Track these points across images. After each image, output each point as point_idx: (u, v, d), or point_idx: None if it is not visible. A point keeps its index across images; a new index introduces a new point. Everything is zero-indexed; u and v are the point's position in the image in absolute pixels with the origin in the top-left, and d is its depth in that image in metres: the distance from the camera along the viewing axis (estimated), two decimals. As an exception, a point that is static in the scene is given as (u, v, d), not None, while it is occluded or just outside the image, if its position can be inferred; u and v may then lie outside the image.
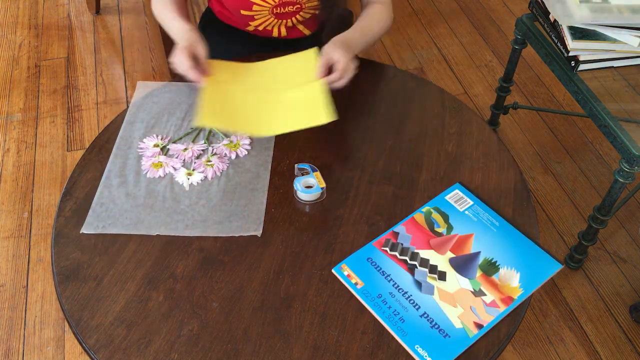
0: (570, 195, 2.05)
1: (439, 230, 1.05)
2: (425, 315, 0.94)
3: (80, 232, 1.05)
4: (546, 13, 1.70)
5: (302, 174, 1.11)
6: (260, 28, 1.42)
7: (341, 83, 1.18)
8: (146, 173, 1.14)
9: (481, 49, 2.60)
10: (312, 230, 1.05)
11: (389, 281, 0.98)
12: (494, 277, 0.99)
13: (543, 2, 1.68)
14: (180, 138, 1.20)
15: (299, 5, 1.34)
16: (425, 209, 1.08)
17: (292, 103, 1.16)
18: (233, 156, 1.17)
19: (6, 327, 1.73)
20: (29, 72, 2.49)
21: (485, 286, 0.98)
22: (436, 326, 0.93)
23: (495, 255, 1.01)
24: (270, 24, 1.40)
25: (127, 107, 1.27)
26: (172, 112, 1.26)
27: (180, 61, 1.17)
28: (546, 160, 2.15)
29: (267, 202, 1.09)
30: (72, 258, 1.01)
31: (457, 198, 1.10)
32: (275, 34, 1.43)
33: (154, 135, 1.21)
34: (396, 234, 1.04)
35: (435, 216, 1.07)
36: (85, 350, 0.92)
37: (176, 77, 1.29)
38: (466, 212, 1.08)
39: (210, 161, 1.15)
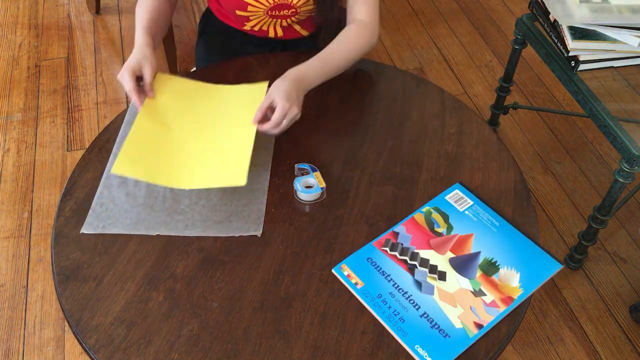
0: (570, 195, 2.05)
1: (439, 230, 1.05)
2: (425, 315, 0.94)
3: (80, 232, 1.05)
4: (546, 13, 1.70)
5: (302, 174, 1.11)
6: (256, 28, 1.42)
7: (276, 131, 1.12)
8: (146, 173, 1.14)
9: (481, 49, 2.60)
10: (312, 230, 1.05)
11: (389, 281, 0.98)
12: (494, 277, 0.99)
13: (543, 2, 1.68)
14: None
15: (294, 10, 1.34)
16: (425, 209, 1.08)
17: (214, 158, 1.09)
18: (233, 156, 1.16)
19: (6, 327, 1.73)
20: (29, 72, 2.49)
21: (485, 286, 0.98)
22: (436, 326, 0.93)
23: (495, 255, 1.01)
24: (265, 23, 1.40)
25: (127, 107, 1.27)
26: (172, 112, 1.25)
27: (123, 80, 1.15)
28: (546, 160, 2.15)
29: (267, 202, 1.09)
30: (72, 258, 1.01)
31: (457, 198, 1.10)
32: (271, 34, 1.43)
33: (154, 136, 1.20)
34: (396, 234, 1.04)
35: (435, 216, 1.07)
36: (85, 350, 0.92)
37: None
38: (466, 212, 1.08)
39: (210, 161, 1.15)
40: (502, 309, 0.95)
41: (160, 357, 0.90)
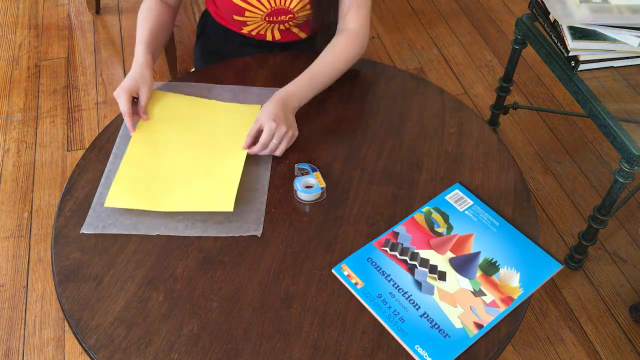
0: (570, 195, 2.05)
1: (439, 230, 1.05)
2: (425, 315, 0.94)
3: (80, 232, 1.05)
4: (546, 13, 1.70)
5: (302, 174, 1.11)
6: (254, 33, 1.42)
7: (265, 153, 1.14)
8: (146, 173, 1.14)
9: (481, 49, 2.60)
10: (312, 230, 1.05)
11: (389, 281, 0.98)
12: (494, 277, 0.99)
13: (543, 2, 1.68)
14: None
15: (291, 15, 1.34)
16: (425, 209, 1.08)
17: (203, 184, 1.11)
18: (233, 156, 1.17)
19: (6, 327, 1.73)
20: (29, 72, 2.49)
21: (485, 286, 0.98)
22: (436, 326, 0.93)
23: (495, 255, 1.01)
24: (263, 27, 1.40)
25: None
26: (171, 112, 1.26)
27: (119, 100, 1.17)
28: (546, 160, 2.15)
29: (267, 202, 1.09)
30: (72, 258, 1.01)
31: (457, 198, 1.10)
32: (269, 37, 1.43)
33: (154, 136, 1.20)
34: (396, 234, 1.04)
35: (435, 216, 1.07)
36: (85, 350, 0.92)
37: (176, 77, 1.29)
38: (466, 212, 1.08)
39: (209, 161, 1.15)
40: (502, 309, 0.95)
41: (160, 357, 0.90)
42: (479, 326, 0.93)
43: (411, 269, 0.99)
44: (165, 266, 1.00)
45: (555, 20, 1.64)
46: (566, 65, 1.64)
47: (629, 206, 2.01)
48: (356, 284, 0.98)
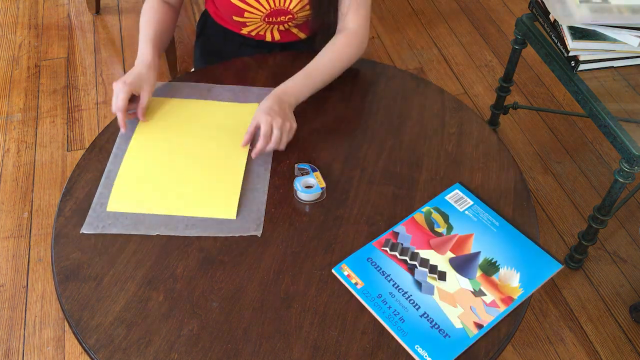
0: (570, 195, 2.05)
1: (439, 230, 1.05)
2: (425, 315, 0.94)
3: (80, 232, 1.05)
4: (546, 13, 1.70)
5: (302, 174, 1.11)
6: (253, 33, 1.42)
7: (271, 147, 1.12)
8: (146, 173, 1.14)
9: (481, 49, 2.60)
10: (312, 230, 1.05)
11: (389, 281, 0.98)
12: (494, 277, 0.99)
13: (543, 2, 1.68)
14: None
15: (291, 15, 1.34)
16: (425, 209, 1.08)
17: (205, 189, 1.11)
18: (233, 156, 1.17)
19: (6, 327, 1.73)
20: (29, 72, 2.49)
21: (485, 286, 0.97)
22: (436, 326, 0.93)
23: (495, 255, 1.01)
24: (262, 28, 1.40)
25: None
26: (172, 112, 1.26)
27: (118, 95, 1.15)
28: (546, 160, 2.15)
29: (267, 202, 1.09)
30: (72, 258, 1.01)
31: (457, 198, 1.10)
32: (268, 38, 1.43)
33: (154, 136, 1.20)
34: (396, 234, 1.04)
35: (435, 216, 1.07)
36: (85, 350, 0.92)
37: (176, 77, 1.29)
38: (466, 212, 1.08)
39: (209, 161, 1.15)
40: (502, 309, 0.95)
41: (160, 357, 0.90)
42: (479, 326, 0.93)
43: (411, 269, 0.99)
44: (165, 266, 1.00)
45: (555, 20, 1.64)
46: (566, 65, 1.64)
47: (629, 206, 2.01)
48: (356, 284, 0.98)
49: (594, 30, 1.56)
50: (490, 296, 0.96)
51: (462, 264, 1.00)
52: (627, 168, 1.50)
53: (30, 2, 2.83)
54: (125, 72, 2.48)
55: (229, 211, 1.07)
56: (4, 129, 2.27)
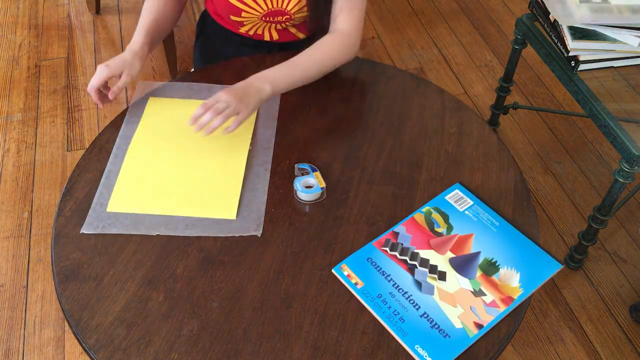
0: (570, 195, 2.05)
1: (439, 230, 1.05)
2: (425, 315, 0.94)
3: (80, 232, 1.05)
4: (546, 13, 1.70)
5: (302, 174, 1.11)
6: (251, 32, 1.42)
7: (207, 118, 1.09)
8: (146, 173, 1.14)
9: (481, 49, 2.60)
10: (312, 230, 1.05)
11: (389, 281, 0.98)
12: (494, 277, 0.99)
13: (543, 2, 1.68)
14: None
15: (288, 16, 1.34)
16: (425, 209, 1.08)
17: (206, 190, 1.11)
18: (233, 156, 1.16)
19: (6, 327, 1.73)
20: (29, 72, 2.49)
21: (485, 286, 0.97)
22: (436, 326, 0.93)
23: (495, 255, 1.01)
24: (260, 27, 1.40)
25: (127, 107, 1.27)
26: (171, 112, 1.26)
27: (97, 74, 1.17)
28: (546, 160, 2.15)
29: (267, 202, 1.09)
30: (72, 258, 1.01)
31: (457, 198, 1.10)
32: (266, 37, 1.43)
33: (154, 136, 1.20)
34: (396, 234, 1.04)
35: (435, 216, 1.07)
36: (85, 350, 0.92)
37: (176, 77, 1.29)
38: (466, 212, 1.08)
39: (210, 161, 1.15)
40: (502, 309, 0.95)
41: (160, 357, 0.90)
42: (479, 326, 0.93)
43: (411, 269, 0.99)
44: (165, 266, 1.00)
45: (555, 20, 1.64)
46: (566, 65, 1.64)
47: (629, 206, 2.01)
48: (356, 284, 0.98)
49: (594, 30, 1.56)
50: (490, 296, 0.96)
51: (462, 264, 1.00)
52: (627, 168, 1.50)
53: (30, 2, 2.83)
54: (125, 72, 2.48)
55: (229, 211, 1.07)
56: (4, 129, 2.27)
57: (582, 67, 1.61)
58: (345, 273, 0.99)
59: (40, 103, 2.36)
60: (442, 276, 0.98)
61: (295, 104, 1.26)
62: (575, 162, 2.14)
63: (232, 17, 1.35)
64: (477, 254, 1.01)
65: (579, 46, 1.57)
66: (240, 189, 1.10)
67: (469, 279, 0.98)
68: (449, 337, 0.91)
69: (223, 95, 1.12)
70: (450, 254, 1.01)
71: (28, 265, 1.86)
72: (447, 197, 1.10)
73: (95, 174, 1.14)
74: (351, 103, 1.28)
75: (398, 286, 0.97)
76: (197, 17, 2.37)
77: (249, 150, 1.17)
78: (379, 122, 1.24)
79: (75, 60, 2.54)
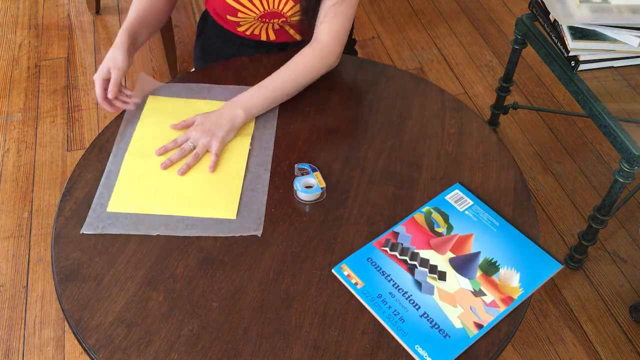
0: (570, 195, 2.05)
1: (439, 230, 1.05)
2: (425, 315, 0.94)
3: (80, 232, 1.05)
4: (546, 13, 1.70)
5: (302, 174, 1.11)
6: (248, 32, 1.42)
7: (178, 156, 1.14)
8: (146, 173, 1.14)
9: (481, 49, 2.60)
10: (312, 230, 1.05)
11: (389, 281, 0.98)
12: (494, 277, 0.99)
13: (543, 2, 1.68)
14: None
15: (284, 18, 1.34)
16: (425, 209, 1.08)
17: (206, 190, 1.11)
18: (233, 156, 1.17)
19: (6, 327, 1.73)
20: (29, 72, 2.49)
21: (485, 286, 0.98)
22: (436, 326, 0.93)
23: (495, 255, 1.01)
24: (257, 27, 1.40)
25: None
26: (171, 112, 1.26)
27: (96, 88, 1.21)
28: (546, 160, 2.15)
29: (267, 202, 1.09)
30: (72, 258, 1.01)
31: (457, 198, 1.10)
32: (263, 37, 1.43)
33: (154, 136, 1.20)
34: (396, 234, 1.04)
35: (435, 216, 1.07)
36: (85, 350, 0.92)
37: (176, 77, 1.29)
38: (466, 212, 1.08)
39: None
40: (502, 309, 0.95)
41: (160, 357, 0.90)
42: (479, 326, 0.93)
43: (411, 269, 0.99)
44: (165, 266, 1.00)
45: (555, 20, 1.64)
46: (566, 65, 1.64)
47: (629, 206, 2.01)
48: (356, 284, 0.98)
49: (594, 30, 1.56)
50: (490, 296, 0.96)
51: (462, 264, 1.00)
52: (627, 168, 1.50)
53: (30, 2, 2.83)
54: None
55: (229, 211, 1.07)
56: (4, 129, 2.27)
57: (582, 67, 1.61)
58: (345, 273, 0.99)
59: (40, 103, 2.36)
60: (442, 276, 0.99)
61: (295, 104, 1.26)
62: (575, 162, 2.14)
63: (229, 17, 1.36)
64: (477, 254, 1.01)
65: (579, 46, 1.57)
66: (240, 188, 1.10)
67: (469, 279, 0.98)
68: (449, 337, 0.91)
69: (191, 132, 1.16)
70: (450, 254, 1.01)
71: (28, 265, 1.86)
72: (447, 197, 1.10)
73: (95, 174, 1.14)
74: (351, 103, 1.28)
75: (398, 286, 0.97)
76: (198, 17, 2.37)
77: (249, 150, 1.17)
78: (379, 122, 1.24)
79: (75, 60, 2.54)
